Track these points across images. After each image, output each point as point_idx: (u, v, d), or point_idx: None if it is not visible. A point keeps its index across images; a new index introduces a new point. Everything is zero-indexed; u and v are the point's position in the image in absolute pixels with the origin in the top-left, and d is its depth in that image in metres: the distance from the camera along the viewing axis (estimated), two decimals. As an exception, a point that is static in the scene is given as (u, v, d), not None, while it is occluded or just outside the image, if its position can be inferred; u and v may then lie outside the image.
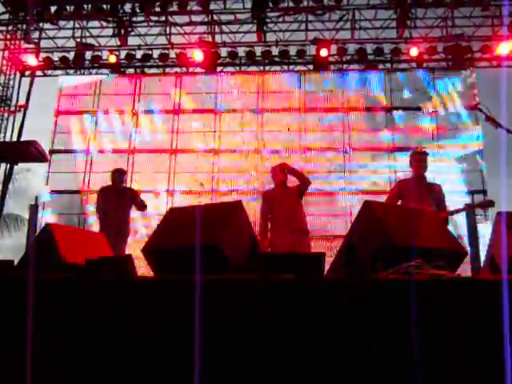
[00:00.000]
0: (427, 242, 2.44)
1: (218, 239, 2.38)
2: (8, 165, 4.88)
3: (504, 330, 1.81)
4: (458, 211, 5.25)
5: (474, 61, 10.04)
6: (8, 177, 5.25)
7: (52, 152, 10.21)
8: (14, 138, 9.06)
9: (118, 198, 6.65)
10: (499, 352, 1.78)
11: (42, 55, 10.57)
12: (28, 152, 3.20)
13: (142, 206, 6.77)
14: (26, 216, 10.12)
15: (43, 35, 10.68)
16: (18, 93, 10.40)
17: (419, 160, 5.57)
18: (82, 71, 10.85)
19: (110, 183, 6.88)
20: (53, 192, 10.14)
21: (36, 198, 8.40)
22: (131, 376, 2.01)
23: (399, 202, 5.42)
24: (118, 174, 6.91)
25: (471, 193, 8.25)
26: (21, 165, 8.46)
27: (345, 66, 10.49)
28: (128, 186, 7.39)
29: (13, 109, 7.97)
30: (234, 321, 1.99)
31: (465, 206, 5.28)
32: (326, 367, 1.84)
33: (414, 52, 9.84)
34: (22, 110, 7.71)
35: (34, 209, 7.52)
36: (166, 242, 2.55)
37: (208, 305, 1.96)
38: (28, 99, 7.46)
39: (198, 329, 1.90)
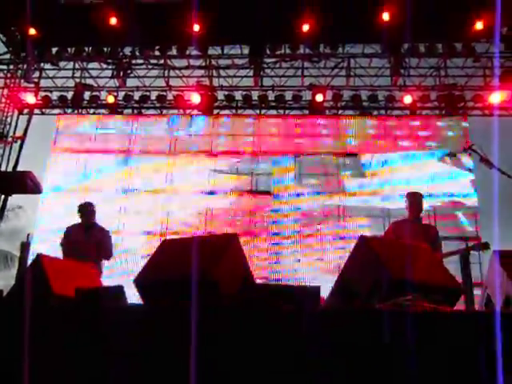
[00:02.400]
0: (424, 277, 2.41)
1: (212, 271, 2.35)
2: (2, 196, 4.82)
3: (497, 361, 1.78)
4: (452, 253, 5.11)
5: (466, 109, 10.23)
6: (2, 208, 5.18)
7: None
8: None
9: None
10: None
11: (41, 94, 10.68)
12: (23, 183, 3.16)
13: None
14: (17, 254, 9.97)
15: (43, 75, 10.85)
16: (15, 130, 10.44)
17: (413, 203, 5.49)
18: (80, 111, 10.94)
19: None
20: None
21: (28, 235, 8.33)
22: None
23: None
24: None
25: (465, 239, 8.29)
26: (12, 201, 8.36)
27: (340, 111, 10.63)
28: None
29: (10, 139, 7.91)
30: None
31: (459, 249, 5.22)
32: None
33: (407, 100, 10.04)
34: (19, 141, 7.70)
35: (25, 246, 7.43)
36: (159, 273, 2.51)
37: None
38: (25, 133, 7.49)
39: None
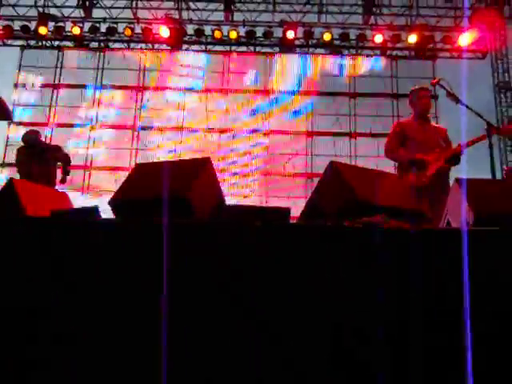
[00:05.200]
0: (391, 201, 2.52)
1: (185, 190, 2.39)
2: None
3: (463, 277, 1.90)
4: (474, 142, 4.29)
5: (435, 51, 10.28)
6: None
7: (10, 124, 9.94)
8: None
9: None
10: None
11: (2, 23, 10.22)
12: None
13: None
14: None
15: (4, 2, 10.33)
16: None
17: (423, 96, 4.78)
18: (44, 43, 10.56)
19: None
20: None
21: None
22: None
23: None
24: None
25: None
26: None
27: (310, 49, 10.54)
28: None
29: None
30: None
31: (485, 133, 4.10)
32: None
33: (378, 39, 10.00)
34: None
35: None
36: (133, 194, 2.54)
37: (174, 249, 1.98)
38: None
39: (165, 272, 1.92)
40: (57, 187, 6.00)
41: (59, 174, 6.27)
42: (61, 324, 1.97)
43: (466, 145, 4.39)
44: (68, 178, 6.36)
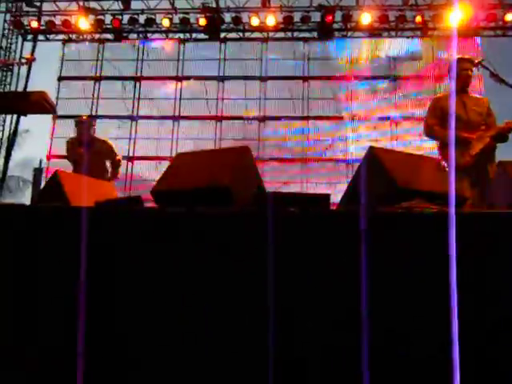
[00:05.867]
0: (429, 186, 2.49)
1: (226, 180, 2.43)
2: (16, 116, 4.81)
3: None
4: None
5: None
6: (15, 130, 5.20)
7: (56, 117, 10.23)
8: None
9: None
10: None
11: (44, 18, 10.47)
12: (39, 103, 3.17)
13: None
14: (29, 178, 10.13)
15: (45, -2, 10.58)
16: (20, 56, 10.36)
17: (467, 69, 4.48)
18: (85, 36, 10.77)
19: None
20: (54, 157, 10.14)
21: (40, 161, 8.45)
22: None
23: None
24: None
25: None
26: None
27: (349, 33, 10.39)
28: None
29: (23, 60, 7.73)
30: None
31: None
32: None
33: (418, 19, 9.79)
34: (28, 64, 7.59)
35: (38, 171, 7.57)
36: (175, 184, 2.59)
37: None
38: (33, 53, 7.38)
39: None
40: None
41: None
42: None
43: None
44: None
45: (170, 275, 2.05)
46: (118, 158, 6.40)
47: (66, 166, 8.96)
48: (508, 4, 9.61)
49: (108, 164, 6.34)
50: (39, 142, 15.07)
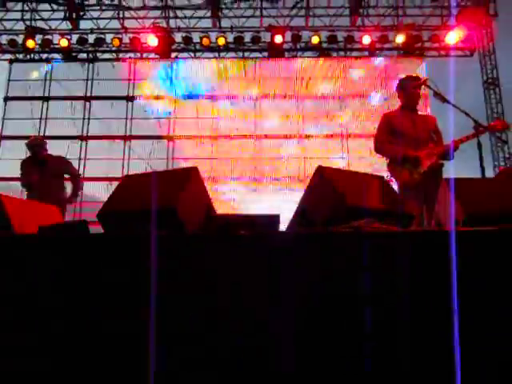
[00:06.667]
0: (378, 204, 2.52)
1: (173, 201, 2.38)
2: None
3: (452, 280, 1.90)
4: (468, 138, 4.14)
5: (423, 50, 10.31)
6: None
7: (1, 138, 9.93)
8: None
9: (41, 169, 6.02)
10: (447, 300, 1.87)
11: (-10, 38, 10.21)
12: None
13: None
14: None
15: (-10, 17, 10.33)
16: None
17: (415, 86, 4.57)
18: (32, 56, 10.54)
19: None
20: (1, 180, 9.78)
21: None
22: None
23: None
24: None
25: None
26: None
27: (299, 53, 10.55)
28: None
29: None
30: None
31: (475, 131, 4.03)
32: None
33: (366, 40, 10.03)
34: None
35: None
36: (121, 205, 2.53)
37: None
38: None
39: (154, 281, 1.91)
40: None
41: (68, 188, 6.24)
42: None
43: (460, 141, 4.27)
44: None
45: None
46: (77, 178, 6.34)
47: (13, 189, 8.71)
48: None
49: (66, 183, 6.22)
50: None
